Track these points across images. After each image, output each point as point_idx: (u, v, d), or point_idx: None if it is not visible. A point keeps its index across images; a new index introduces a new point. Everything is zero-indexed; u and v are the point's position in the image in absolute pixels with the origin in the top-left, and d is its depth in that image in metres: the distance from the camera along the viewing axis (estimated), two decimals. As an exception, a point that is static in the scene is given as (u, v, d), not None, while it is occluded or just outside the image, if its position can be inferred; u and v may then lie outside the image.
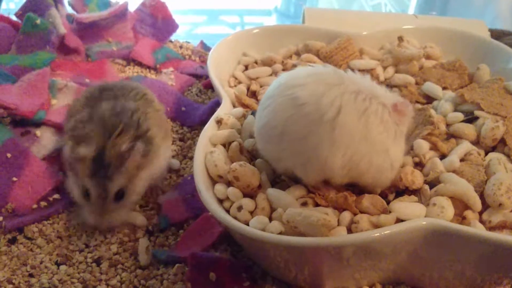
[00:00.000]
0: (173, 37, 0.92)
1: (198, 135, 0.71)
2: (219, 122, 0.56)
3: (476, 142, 0.56)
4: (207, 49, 0.91)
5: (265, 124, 0.48)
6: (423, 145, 0.54)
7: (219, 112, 0.58)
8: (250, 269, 0.52)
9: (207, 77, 0.80)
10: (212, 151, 0.52)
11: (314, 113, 0.44)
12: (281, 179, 0.51)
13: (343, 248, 0.43)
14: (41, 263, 0.52)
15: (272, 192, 0.48)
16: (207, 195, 0.47)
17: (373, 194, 0.49)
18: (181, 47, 0.90)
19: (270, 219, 0.47)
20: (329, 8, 1.19)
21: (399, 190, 0.50)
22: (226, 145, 0.55)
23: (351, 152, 0.45)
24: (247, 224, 0.46)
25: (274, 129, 0.47)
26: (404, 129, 0.49)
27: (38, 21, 0.76)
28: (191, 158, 0.67)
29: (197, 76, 0.83)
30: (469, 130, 0.56)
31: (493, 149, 0.56)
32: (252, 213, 0.47)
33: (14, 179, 0.58)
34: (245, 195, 0.49)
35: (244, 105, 0.62)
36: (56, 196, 0.59)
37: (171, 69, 0.83)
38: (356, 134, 0.45)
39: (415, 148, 0.54)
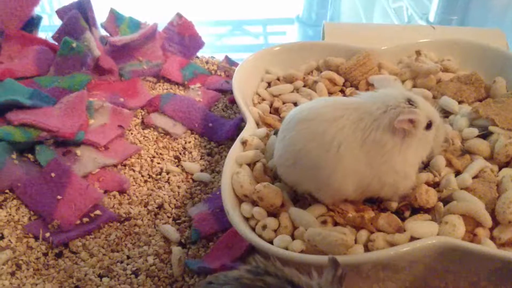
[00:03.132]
0: (199, 51, 0.97)
1: (225, 150, 0.76)
2: (244, 143, 0.60)
3: (490, 158, 0.58)
4: (232, 63, 0.95)
5: (281, 155, 0.53)
6: (439, 162, 0.57)
7: (244, 134, 0.62)
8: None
9: (232, 92, 0.84)
10: (238, 172, 0.56)
11: (319, 148, 0.49)
12: (302, 197, 0.55)
13: (359, 265, 0.46)
14: (85, 275, 0.57)
15: (294, 211, 0.52)
16: (234, 216, 0.51)
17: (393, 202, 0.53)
18: (207, 62, 0.95)
19: (293, 236, 0.51)
20: (348, 22, 1.21)
21: (415, 207, 0.53)
22: (251, 164, 0.59)
23: (359, 178, 0.49)
24: (271, 241, 0.50)
25: (288, 160, 0.52)
26: (415, 134, 0.50)
27: (74, 45, 0.82)
28: (219, 172, 0.72)
29: (223, 91, 0.88)
30: (483, 146, 0.58)
31: (507, 164, 0.58)
32: (275, 231, 0.51)
33: (59, 197, 0.64)
34: (269, 214, 0.53)
35: (268, 125, 0.66)
36: (97, 212, 0.64)
37: (198, 85, 0.88)
38: (360, 162, 0.49)
39: (432, 165, 0.57)
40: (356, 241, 0.49)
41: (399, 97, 0.50)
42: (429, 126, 0.51)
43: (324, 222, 0.50)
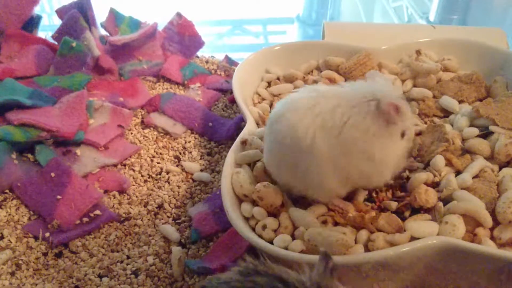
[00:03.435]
0: (199, 50, 0.97)
1: (225, 150, 0.76)
2: (244, 142, 0.60)
3: (491, 157, 0.58)
4: (232, 63, 0.95)
5: (267, 158, 0.53)
6: (438, 162, 0.56)
7: (244, 133, 0.62)
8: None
9: (232, 91, 0.84)
10: (238, 172, 0.56)
11: (294, 144, 0.48)
12: (301, 197, 0.55)
13: (360, 265, 0.46)
14: (85, 275, 0.57)
15: (294, 211, 0.52)
16: (235, 215, 0.51)
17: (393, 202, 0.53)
18: (207, 62, 0.95)
19: (293, 236, 0.51)
20: (348, 21, 1.21)
21: (415, 207, 0.53)
22: (251, 164, 0.59)
23: (340, 168, 0.48)
24: (271, 241, 0.50)
25: (273, 162, 0.52)
26: (401, 125, 0.49)
27: (74, 44, 0.82)
28: (219, 172, 0.72)
29: (223, 91, 0.87)
30: (483, 146, 0.58)
31: (507, 164, 0.58)
32: (275, 231, 0.51)
33: (59, 197, 0.64)
34: (269, 213, 0.53)
35: (268, 124, 0.66)
36: (97, 212, 0.64)
37: (198, 84, 0.88)
38: (337, 151, 0.47)
39: (432, 165, 0.57)
40: (356, 241, 0.49)
41: (390, 89, 0.50)
42: (402, 135, 0.51)
43: (324, 222, 0.50)
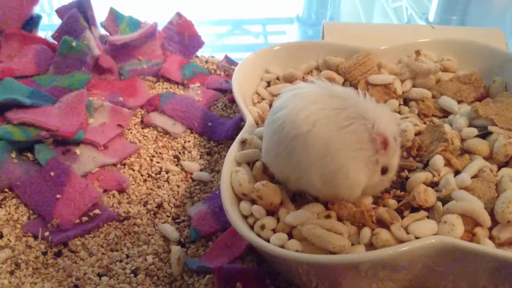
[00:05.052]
0: (198, 50, 0.97)
1: (224, 149, 0.76)
2: (243, 142, 0.60)
3: (489, 157, 0.58)
4: (231, 63, 0.95)
5: (264, 151, 0.53)
6: (437, 161, 0.57)
7: (243, 133, 0.62)
8: (275, 277, 0.56)
9: (231, 91, 0.84)
10: (237, 170, 0.56)
11: (292, 130, 0.48)
12: (300, 196, 0.55)
13: (358, 264, 0.46)
14: (84, 274, 0.57)
15: (293, 211, 0.52)
16: (233, 214, 0.51)
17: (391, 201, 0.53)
18: (206, 62, 0.95)
19: (291, 234, 0.51)
20: (348, 21, 1.21)
21: (414, 207, 0.53)
22: (251, 163, 0.59)
23: (328, 161, 0.47)
24: (269, 240, 0.50)
25: (270, 154, 0.52)
26: (382, 160, 0.50)
27: (74, 44, 0.82)
28: (218, 172, 0.72)
29: (222, 91, 0.88)
30: (482, 146, 0.58)
31: (506, 164, 0.58)
32: (274, 230, 0.51)
33: (58, 196, 0.63)
34: (268, 212, 0.53)
35: (267, 124, 0.66)
36: (96, 211, 0.64)
37: (197, 84, 0.88)
38: (333, 145, 0.47)
39: (431, 164, 0.57)
40: (360, 238, 0.49)
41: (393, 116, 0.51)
42: (384, 171, 0.51)
43: (327, 217, 0.50)
